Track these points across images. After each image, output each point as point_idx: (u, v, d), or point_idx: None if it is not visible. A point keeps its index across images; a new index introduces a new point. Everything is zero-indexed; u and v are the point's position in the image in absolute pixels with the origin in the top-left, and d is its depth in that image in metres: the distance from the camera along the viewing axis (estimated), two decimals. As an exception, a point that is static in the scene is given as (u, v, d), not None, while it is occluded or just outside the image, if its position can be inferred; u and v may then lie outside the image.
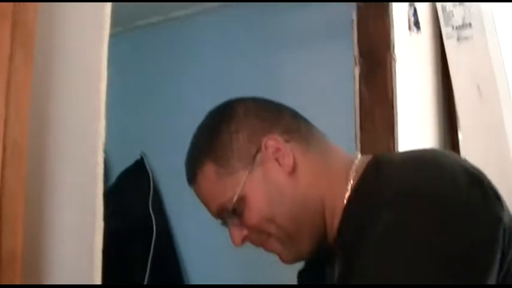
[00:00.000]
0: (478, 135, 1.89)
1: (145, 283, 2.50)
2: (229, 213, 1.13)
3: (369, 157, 1.17)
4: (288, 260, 1.16)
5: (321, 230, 1.13)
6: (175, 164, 2.67)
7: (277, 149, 1.12)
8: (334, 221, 1.12)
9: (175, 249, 2.65)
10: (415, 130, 1.87)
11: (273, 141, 1.13)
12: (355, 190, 1.11)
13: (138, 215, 2.61)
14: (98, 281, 0.98)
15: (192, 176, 1.18)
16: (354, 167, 1.14)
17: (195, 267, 2.66)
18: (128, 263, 2.53)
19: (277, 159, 1.12)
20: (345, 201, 1.11)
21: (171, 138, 2.66)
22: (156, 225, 2.57)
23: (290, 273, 1.35)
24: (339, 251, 1.09)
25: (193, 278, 2.65)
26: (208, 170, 1.13)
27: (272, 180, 1.11)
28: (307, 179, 1.12)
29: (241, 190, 1.10)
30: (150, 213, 2.57)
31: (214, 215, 1.17)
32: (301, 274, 1.33)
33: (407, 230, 0.94)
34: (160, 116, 2.69)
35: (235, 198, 1.10)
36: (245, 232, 1.15)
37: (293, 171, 1.12)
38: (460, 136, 1.98)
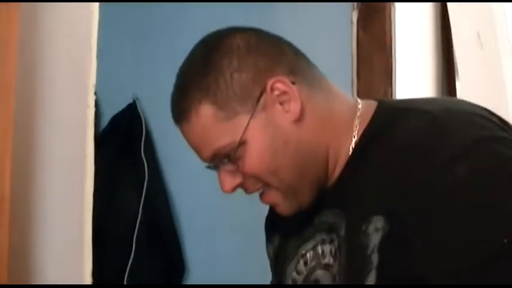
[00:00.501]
0: (476, 85, 1.86)
1: (136, 230, 2.49)
2: (224, 159, 1.04)
3: (371, 103, 1.11)
4: (286, 213, 1.08)
5: (322, 179, 1.07)
6: (168, 109, 2.67)
7: (284, 93, 1.02)
8: (336, 169, 1.07)
9: (166, 196, 2.65)
10: (412, 78, 1.84)
11: (280, 84, 1.02)
12: (369, 139, 1.05)
13: (130, 160, 2.60)
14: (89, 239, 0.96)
15: (183, 115, 1.05)
16: (358, 113, 1.07)
17: (186, 213, 2.66)
18: (120, 209, 2.52)
19: (282, 104, 1.03)
20: (351, 150, 1.05)
21: (164, 82, 2.64)
22: (148, 170, 2.55)
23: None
24: (343, 199, 1.04)
25: (184, 224, 2.66)
26: (205, 112, 1.02)
27: (276, 126, 1.02)
28: (313, 126, 1.04)
29: (242, 136, 1.01)
30: (142, 158, 2.56)
31: (204, 159, 1.07)
32: (269, 219, 1.29)
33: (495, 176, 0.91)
34: (153, 60, 2.64)
35: (234, 145, 1.01)
36: (238, 180, 1.06)
37: (299, 118, 1.03)
38: (458, 86, 1.96)
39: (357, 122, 1.07)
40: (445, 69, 1.99)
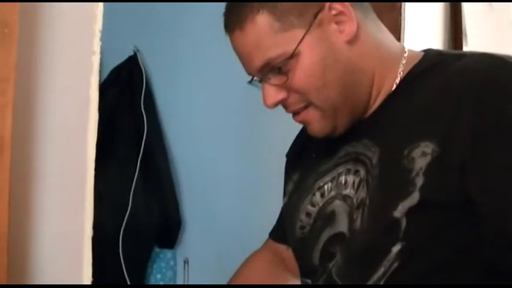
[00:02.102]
0: (484, 45, 1.84)
1: (133, 184, 2.49)
2: (273, 71, 1.06)
3: (417, 51, 1.13)
4: (319, 132, 1.10)
5: (363, 106, 1.09)
6: (168, 62, 2.65)
7: (341, 13, 1.06)
8: (376, 100, 1.09)
9: (165, 150, 2.63)
10: (420, 37, 1.82)
11: (338, 4, 1.05)
12: (419, 73, 1.07)
13: (129, 113, 2.58)
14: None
15: (238, 23, 1.06)
16: (405, 55, 1.10)
17: (184, 168, 2.66)
18: (118, 162, 2.51)
19: (337, 23, 1.06)
20: (394, 85, 1.08)
21: (165, 36, 2.60)
22: (147, 124, 2.53)
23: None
24: (377, 130, 1.07)
25: (182, 179, 2.65)
26: (262, 20, 1.04)
27: (330, 44, 1.05)
28: (363, 50, 1.07)
29: (296, 48, 1.03)
30: (141, 111, 2.54)
31: (252, 70, 1.08)
32: (290, 157, 1.31)
33: None
34: (155, 11, 2.61)
35: (286, 56, 1.03)
36: (282, 95, 1.08)
37: (352, 40, 1.06)
38: (465, 47, 1.94)
39: (403, 61, 1.09)
40: (453, 28, 1.97)
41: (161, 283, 2.60)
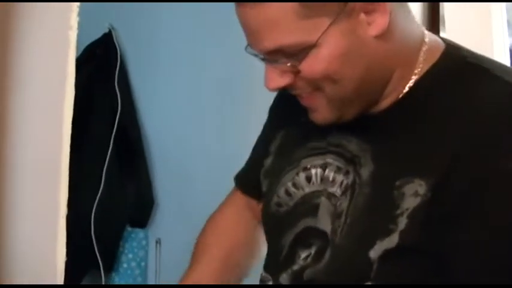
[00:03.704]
0: (463, 32, 1.84)
1: (106, 162, 2.46)
2: (284, 57, 0.93)
3: (438, 41, 1.02)
4: (322, 120, 1.00)
5: (374, 101, 0.99)
6: (143, 40, 2.62)
7: (374, 3, 0.92)
8: (389, 98, 0.99)
9: (139, 128, 2.61)
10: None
11: None
12: (434, 84, 0.97)
13: (103, 90, 2.55)
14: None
15: None
16: (424, 48, 0.99)
17: (157, 146, 2.64)
18: (91, 139, 2.48)
19: (367, 14, 0.92)
20: (407, 88, 0.98)
21: (141, 13, 2.57)
22: (121, 102, 2.51)
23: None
24: (379, 138, 0.98)
25: (156, 158, 2.63)
26: (286, 2, 0.89)
27: (356, 37, 0.92)
28: (391, 46, 0.95)
29: (318, 39, 0.90)
30: (115, 89, 2.51)
31: (259, 50, 0.95)
32: (274, 110, 1.22)
33: None
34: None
35: (305, 46, 0.91)
36: (287, 80, 0.95)
37: (383, 34, 0.93)
38: (442, 33, 1.93)
39: (422, 57, 0.99)
40: (430, 19, 1.97)
41: (133, 263, 2.59)
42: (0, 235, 0.91)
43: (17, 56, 0.92)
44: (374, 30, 0.93)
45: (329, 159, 1.04)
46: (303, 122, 1.05)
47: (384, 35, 0.93)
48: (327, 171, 1.04)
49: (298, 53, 0.92)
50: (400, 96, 0.99)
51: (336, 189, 1.02)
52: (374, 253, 0.93)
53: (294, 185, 1.08)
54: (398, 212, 0.92)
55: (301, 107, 1.02)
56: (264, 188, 1.17)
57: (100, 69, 2.55)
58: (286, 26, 0.90)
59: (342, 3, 0.90)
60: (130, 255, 2.59)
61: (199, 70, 2.43)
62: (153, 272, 2.58)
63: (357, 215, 0.98)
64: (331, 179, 1.03)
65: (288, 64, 0.93)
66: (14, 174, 0.92)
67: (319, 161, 1.05)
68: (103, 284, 2.49)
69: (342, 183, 1.01)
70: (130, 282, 2.57)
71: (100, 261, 2.42)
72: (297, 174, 1.08)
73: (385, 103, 1.00)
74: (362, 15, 0.92)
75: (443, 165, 0.90)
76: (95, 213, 2.42)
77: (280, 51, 0.92)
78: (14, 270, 0.94)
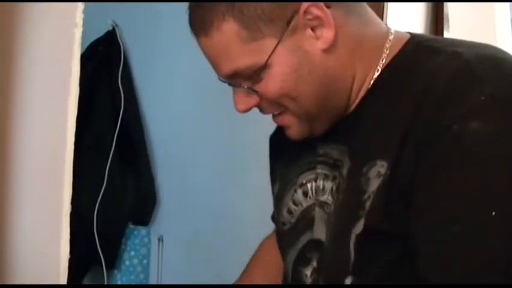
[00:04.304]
0: (466, 30, 1.83)
1: (109, 160, 2.46)
2: (243, 80, 0.98)
3: (403, 35, 1.03)
4: (296, 137, 1.03)
5: (342, 110, 1.02)
6: (147, 38, 2.62)
7: (317, 18, 0.94)
8: (356, 100, 1.01)
9: (142, 127, 2.61)
10: (401, 20, 1.81)
11: (314, 8, 0.94)
12: (390, 74, 0.99)
13: (106, 88, 2.55)
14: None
15: (203, 28, 0.97)
16: (387, 44, 1.00)
17: (160, 144, 2.64)
18: (94, 138, 2.48)
19: (313, 29, 0.95)
20: (371, 83, 1.00)
21: (144, 10, 2.57)
22: (124, 100, 2.51)
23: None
24: (351, 136, 1.00)
25: (158, 156, 2.63)
26: (228, 29, 0.94)
27: (304, 53, 0.95)
28: (342, 56, 0.97)
29: (267, 60, 0.94)
30: (119, 87, 2.51)
31: (222, 76, 1.00)
32: (273, 139, 1.25)
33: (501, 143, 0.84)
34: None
35: (256, 67, 0.95)
36: (254, 101, 1.00)
37: (331, 46, 0.96)
38: (446, 32, 1.93)
39: (385, 53, 1.00)
40: (433, 19, 1.96)
41: (135, 260, 2.59)
42: (4, 232, 0.91)
43: (21, 53, 0.92)
44: (322, 44, 0.96)
45: (318, 169, 1.06)
46: (296, 143, 1.08)
47: (334, 47, 0.96)
48: (317, 181, 1.06)
49: (253, 74, 0.96)
50: (367, 91, 1.01)
51: (327, 197, 1.03)
52: (352, 244, 0.95)
53: (294, 202, 1.11)
54: (366, 196, 0.94)
55: None
56: (276, 217, 1.20)
57: (103, 67, 2.55)
58: (235, 51, 0.95)
59: (284, 23, 0.93)
60: (132, 253, 2.59)
61: (202, 68, 2.42)
62: (155, 269, 2.58)
63: (337, 213, 1.00)
64: (321, 187, 1.05)
65: (245, 87, 0.98)
66: (18, 172, 0.92)
67: (312, 175, 1.08)
68: (105, 281, 2.49)
69: (331, 189, 1.03)
70: (133, 279, 2.57)
71: (102, 259, 2.42)
72: (295, 191, 1.10)
73: (356, 102, 1.02)
74: (309, 31, 0.95)
75: (399, 141, 0.90)
76: (97, 211, 2.42)
77: (237, 75, 0.97)
78: (17, 267, 0.94)
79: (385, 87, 0.99)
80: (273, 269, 1.26)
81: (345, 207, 0.98)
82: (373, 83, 1.00)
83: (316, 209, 1.06)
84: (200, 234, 2.48)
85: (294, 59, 0.95)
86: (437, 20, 1.97)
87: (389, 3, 1.70)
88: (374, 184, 0.93)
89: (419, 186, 0.88)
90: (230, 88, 1.05)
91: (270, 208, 1.25)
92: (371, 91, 1.00)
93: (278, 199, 1.17)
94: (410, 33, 1.06)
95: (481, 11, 1.82)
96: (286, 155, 1.17)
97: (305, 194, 1.08)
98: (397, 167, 0.90)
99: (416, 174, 0.88)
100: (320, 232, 1.04)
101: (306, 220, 1.07)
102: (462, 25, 1.87)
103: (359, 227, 0.94)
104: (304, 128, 1.02)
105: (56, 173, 0.96)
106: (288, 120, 1.02)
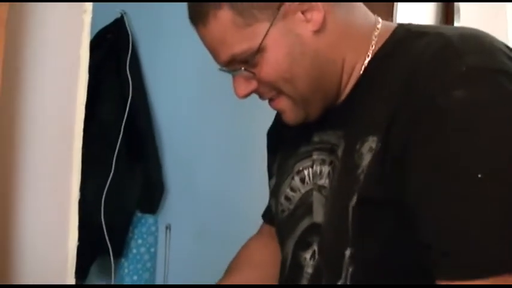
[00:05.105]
0: (478, 21, 1.82)
1: (117, 148, 2.46)
2: (240, 65, 1.04)
3: (391, 25, 1.09)
4: (292, 121, 1.08)
5: (334, 94, 1.06)
6: (155, 26, 2.61)
7: (306, 2, 1.01)
8: (347, 86, 1.06)
9: (150, 115, 2.61)
10: (412, 14, 1.81)
11: None
12: (380, 58, 1.04)
13: (114, 76, 2.54)
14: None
15: (200, 18, 1.03)
16: (376, 32, 1.06)
17: (168, 133, 2.64)
18: (102, 126, 2.48)
19: (303, 13, 1.01)
20: (363, 69, 1.05)
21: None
22: (132, 88, 2.50)
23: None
24: (346, 120, 1.04)
25: (166, 145, 2.63)
26: (224, 16, 1.00)
27: (296, 36, 1.01)
28: (332, 39, 1.03)
29: (261, 43, 1.00)
30: (127, 75, 2.50)
31: (221, 63, 1.07)
32: (271, 134, 1.30)
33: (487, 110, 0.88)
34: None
35: (251, 51, 1.01)
36: (253, 86, 1.06)
37: (320, 29, 1.02)
38: (457, 22, 1.92)
39: (374, 40, 1.06)
40: (444, 7, 1.95)
41: (142, 249, 2.59)
42: (14, 219, 0.91)
43: (30, 39, 0.92)
44: (312, 26, 1.02)
45: (314, 156, 1.11)
46: (292, 135, 1.15)
47: (323, 30, 1.02)
48: (314, 166, 1.10)
49: (249, 58, 1.02)
50: (358, 78, 1.06)
51: (325, 181, 1.07)
52: (350, 217, 0.98)
53: (292, 189, 1.14)
54: (360, 171, 0.98)
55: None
56: (273, 207, 1.22)
57: (111, 55, 2.54)
58: (232, 37, 1.01)
59: (275, 8, 0.99)
60: (140, 241, 2.59)
61: (211, 56, 2.42)
62: (163, 257, 2.59)
63: (334, 190, 1.04)
64: (318, 172, 1.09)
65: (243, 69, 1.03)
66: (26, 160, 0.92)
67: (308, 162, 1.12)
68: (112, 270, 2.50)
69: (328, 173, 1.06)
70: (140, 267, 2.58)
71: (110, 247, 2.43)
72: (293, 178, 1.14)
73: (348, 89, 1.07)
74: (299, 15, 1.01)
75: (390, 117, 0.95)
76: (105, 199, 2.42)
77: (234, 61, 1.03)
78: (26, 255, 0.94)
79: (377, 73, 1.04)
80: (270, 269, 1.27)
81: (342, 184, 1.02)
82: (364, 70, 1.05)
83: (314, 193, 1.09)
84: (207, 223, 2.49)
85: (286, 42, 1.01)
86: (447, 20, 1.95)
87: (399, 3, 1.69)
88: (367, 158, 0.97)
89: (411, 158, 0.91)
90: (234, 77, 1.08)
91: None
92: (363, 77, 1.05)
93: (275, 189, 1.20)
94: (398, 23, 1.10)
95: (493, 11, 1.81)
96: (283, 149, 1.21)
97: (302, 180, 1.12)
98: (387, 139, 0.94)
99: (408, 145, 0.92)
100: (319, 215, 1.07)
101: (304, 205, 1.11)
102: (474, 17, 1.86)
103: (354, 199, 0.97)
104: (299, 112, 1.06)
105: (65, 159, 0.96)
106: (283, 104, 1.07)
